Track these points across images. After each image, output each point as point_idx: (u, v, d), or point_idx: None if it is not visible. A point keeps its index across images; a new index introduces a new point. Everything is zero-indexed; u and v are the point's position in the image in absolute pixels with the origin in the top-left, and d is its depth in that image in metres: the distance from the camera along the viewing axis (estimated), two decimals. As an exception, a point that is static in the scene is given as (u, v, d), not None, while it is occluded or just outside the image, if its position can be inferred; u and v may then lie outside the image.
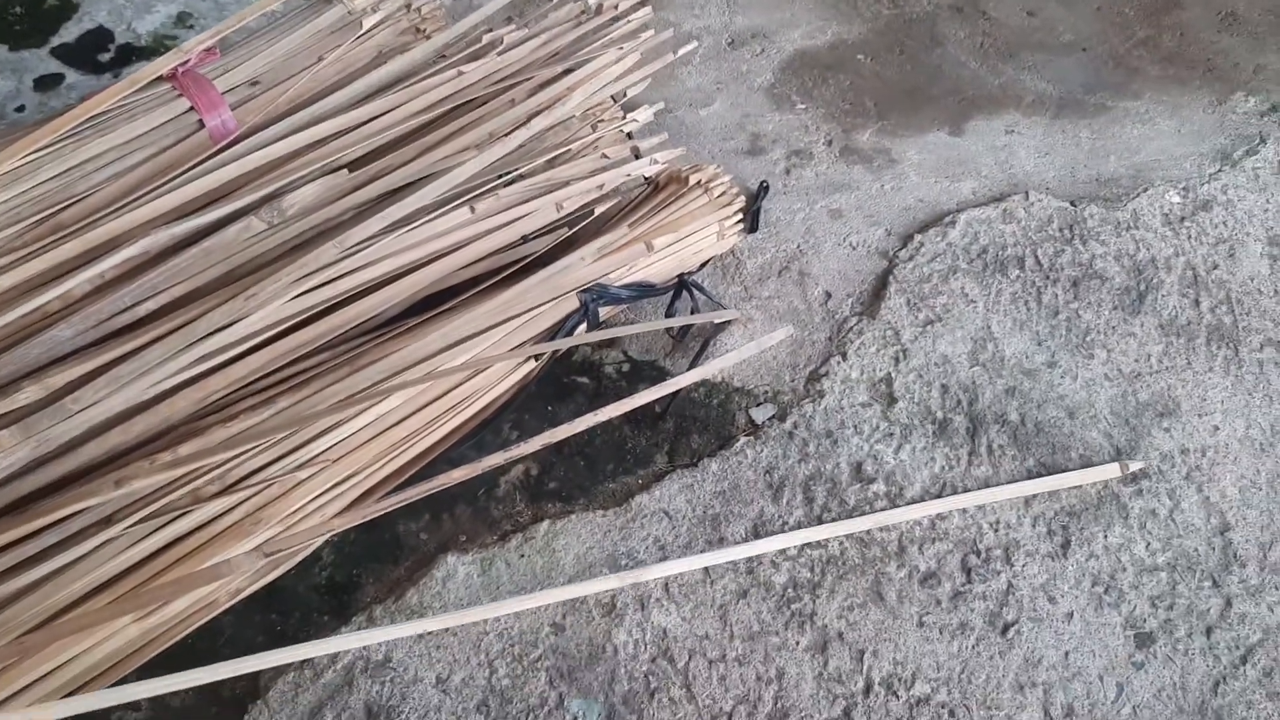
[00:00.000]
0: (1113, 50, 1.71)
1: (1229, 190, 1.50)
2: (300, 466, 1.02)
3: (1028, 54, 1.71)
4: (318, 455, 1.04)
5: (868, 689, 1.06)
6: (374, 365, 1.04)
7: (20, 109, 1.57)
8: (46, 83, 1.61)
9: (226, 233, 1.03)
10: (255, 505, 1.02)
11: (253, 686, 1.04)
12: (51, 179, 1.07)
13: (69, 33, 1.69)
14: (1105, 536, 1.17)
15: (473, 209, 1.10)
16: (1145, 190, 1.49)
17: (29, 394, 0.91)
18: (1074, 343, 1.33)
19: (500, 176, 1.12)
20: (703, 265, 1.37)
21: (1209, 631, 1.11)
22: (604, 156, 1.21)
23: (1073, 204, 1.47)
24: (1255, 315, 1.36)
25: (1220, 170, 1.53)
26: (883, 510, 1.18)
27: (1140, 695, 1.06)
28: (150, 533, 0.95)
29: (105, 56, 1.66)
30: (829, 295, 1.38)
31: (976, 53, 1.71)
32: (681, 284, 1.31)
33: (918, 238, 1.43)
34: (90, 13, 1.72)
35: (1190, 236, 1.44)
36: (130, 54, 1.66)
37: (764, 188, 1.49)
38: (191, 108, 1.15)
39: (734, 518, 1.18)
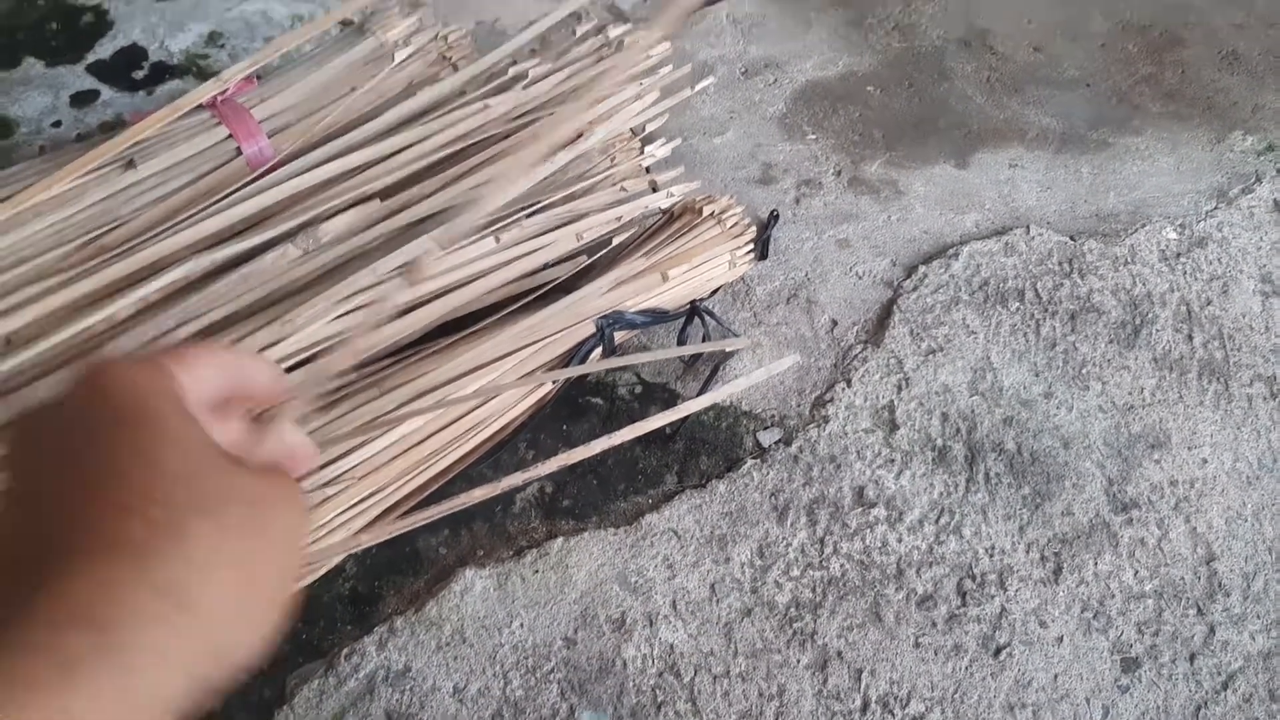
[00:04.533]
0: (1116, 86, 1.76)
1: (1224, 228, 1.55)
2: (328, 484, 1.07)
3: (1033, 89, 1.76)
4: (344, 473, 1.10)
5: (865, 707, 1.11)
6: (402, 388, 1.09)
7: (57, 124, 1.62)
8: (82, 99, 1.66)
9: (264, 259, 1.08)
10: (285, 519, 1.07)
11: (280, 693, 1.10)
12: (97, 203, 1.13)
13: (104, 50, 1.74)
14: (1095, 564, 1.22)
15: (498, 239, 1.15)
16: (1143, 226, 1.54)
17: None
18: (1070, 374, 1.38)
19: (524, 208, 1.17)
20: (714, 292, 1.43)
21: (1192, 658, 1.16)
22: (622, 189, 1.26)
23: (1072, 238, 1.52)
24: (1246, 351, 1.41)
25: (1216, 208, 1.58)
26: (882, 531, 1.23)
27: (1125, 718, 1.11)
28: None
29: (139, 74, 1.71)
30: (835, 323, 1.44)
31: (983, 87, 1.76)
32: (694, 310, 1.36)
33: (922, 269, 1.48)
34: (124, 30, 1.77)
35: (1185, 272, 1.49)
36: (164, 72, 1.71)
37: (774, 216, 1.54)
38: (230, 135, 1.20)
39: (740, 538, 1.23)
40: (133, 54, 1.74)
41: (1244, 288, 1.48)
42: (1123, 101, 1.74)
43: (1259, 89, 1.76)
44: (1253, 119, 1.72)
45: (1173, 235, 1.53)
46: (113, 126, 1.61)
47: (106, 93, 1.68)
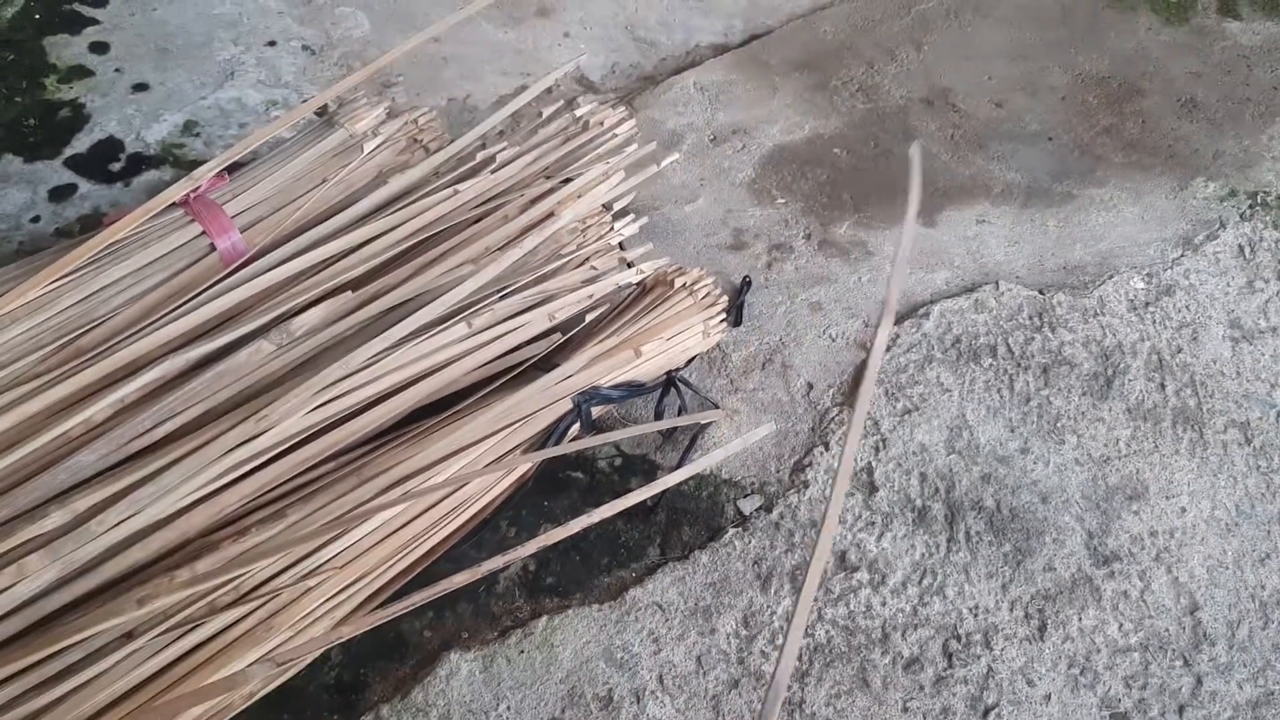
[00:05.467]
0: (1078, 139, 1.80)
1: (1191, 275, 1.57)
2: (309, 575, 1.08)
3: (996, 144, 1.79)
4: (326, 562, 1.10)
5: (855, 776, 1.11)
6: (381, 476, 1.10)
7: (35, 219, 1.64)
8: (61, 193, 1.68)
9: (238, 356, 1.09)
10: (267, 613, 1.07)
11: (266, 788, 1.09)
12: (71, 306, 1.14)
13: (81, 143, 1.77)
14: (1080, 619, 1.23)
15: (470, 324, 1.16)
16: (1111, 277, 1.57)
17: (55, 519, 0.97)
18: (1045, 429, 1.39)
19: (496, 292, 1.19)
20: (690, 361, 1.44)
21: (1181, 710, 1.16)
22: (593, 268, 1.28)
23: (1041, 292, 1.54)
24: (1219, 397, 1.43)
25: (1182, 255, 1.60)
26: (865, 595, 1.23)
27: (1115, 776, 1.11)
28: (168, 645, 1.01)
29: (116, 166, 1.73)
30: (811, 386, 1.45)
31: (947, 144, 1.79)
32: (670, 380, 1.37)
33: (895, 329, 1.50)
34: (101, 123, 1.80)
35: (1155, 321, 1.51)
36: (140, 163, 1.74)
37: (747, 282, 1.56)
38: (203, 232, 1.22)
39: (724, 609, 1.23)
40: (110, 146, 1.76)
41: (1213, 334, 1.50)
42: (1085, 153, 1.77)
43: (1219, 136, 1.80)
44: (1214, 165, 1.75)
45: (1140, 285, 1.56)
46: (91, 220, 1.63)
47: (84, 186, 1.70)
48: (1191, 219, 1.66)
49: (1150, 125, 1.82)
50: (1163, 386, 1.43)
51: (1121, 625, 1.22)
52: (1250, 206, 1.67)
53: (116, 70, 1.88)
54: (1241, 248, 1.61)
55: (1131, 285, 1.55)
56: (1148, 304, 1.53)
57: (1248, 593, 1.25)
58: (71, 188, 1.69)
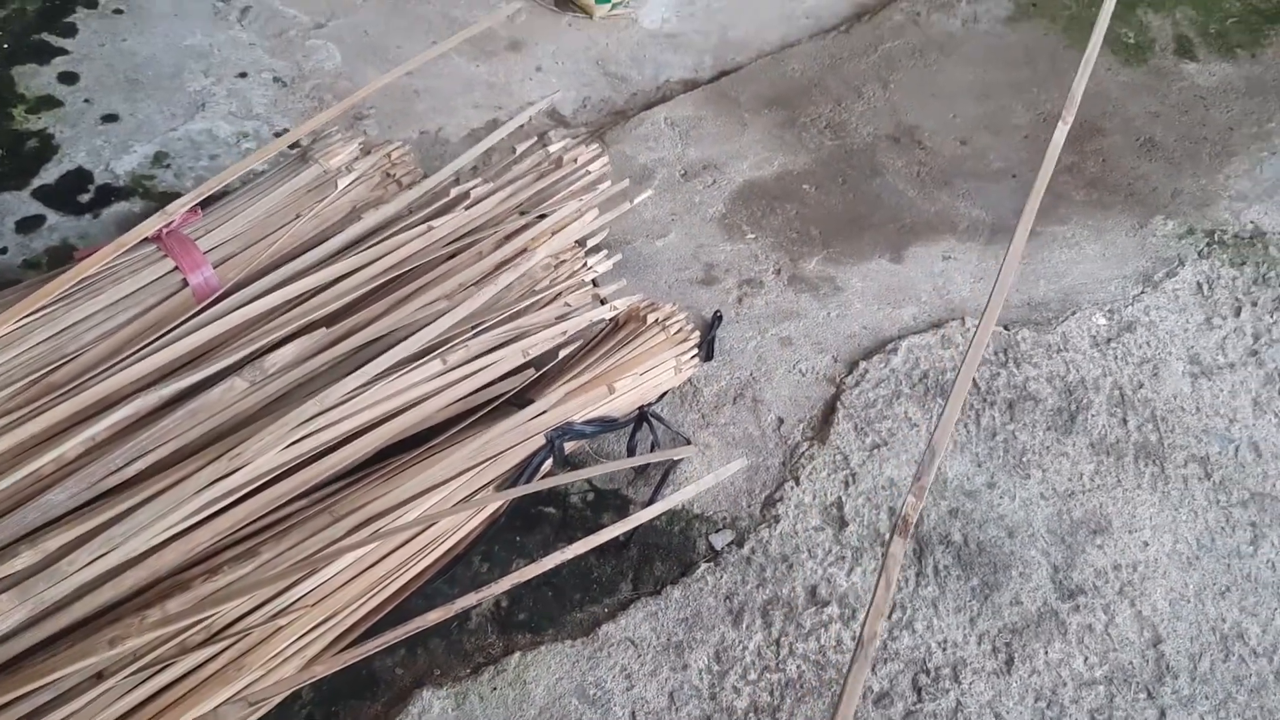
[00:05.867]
0: (1040, 177, 1.83)
1: (1151, 311, 1.60)
2: (281, 613, 1.07)
3: (961, 181, 1.82)
4: (297, 601, 1.09)
5: (826, 812, 1.12)
6: (353, 514, 1.10)
7: (3, 251, 1.63)
8: (28, 225, 1.67)
9: (211, 393, 1.09)
10: (238, 651, 1.07)
11: (236, 830, 1.08)
12: (42, 342, 1.13)
13: (49, 174, 1.76)
14: (1046, 652, 1.24)
15: (444, 361, 1.17)
16: (1074, 313, 1.60)
17: (25, 559, 0.96)
18: (1011, 463, 1.41)
19: (471, 329, 1.20)
20: (662, 396, 1.45)
21: (1145, 743, 1.18)
22: (566, 304, 1.29)
23: (1006, 328, 1.57)
24: (1179, 432, 1.46)
25: (1143, 292, 1.64)
26: (836, 630, 1.24)
27: (1082, 809, 1.13)
28: (139, 685, 1.00)
29: (85, 197, 1.72)
30: (781, 421, 1.46)
31: (914, 181, 1.82)
32: (642, 416, 1.38)
33: (863, 364, 1.52)
34: (70, 154, 1.79)
35: (1117, 357, 1.54)
36: (109, 194, 1.73)
37: (718, 317, 1.57)
38: (176, 268, 1.22)
39: (697, 644, 1.24)
40: (79, 177, 1.76)
41: (1173, 369, 1.53)
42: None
43: (1177, 174, 1.84)
44: (1173, 204, 1.79)
45: (1102, 321, 1.59)
46: (59, 251, 1.62)
47: (53, 217, 1.69)
48: (1151, 256, 1.70)
49: (1111, 164, 1.86)
50: (1125, 422, 1.46)
51: (1087, 658, 1.24)
52: (1208, 244, 1.71)
53: (86, 100, 1.87)
54: (1200, 285, 1.65)
55: (1094, 321, 1.59)
56: (1109, 340, 1.56)
57: (1209, 625, 1.28)
58: (39, 219, 1.68)
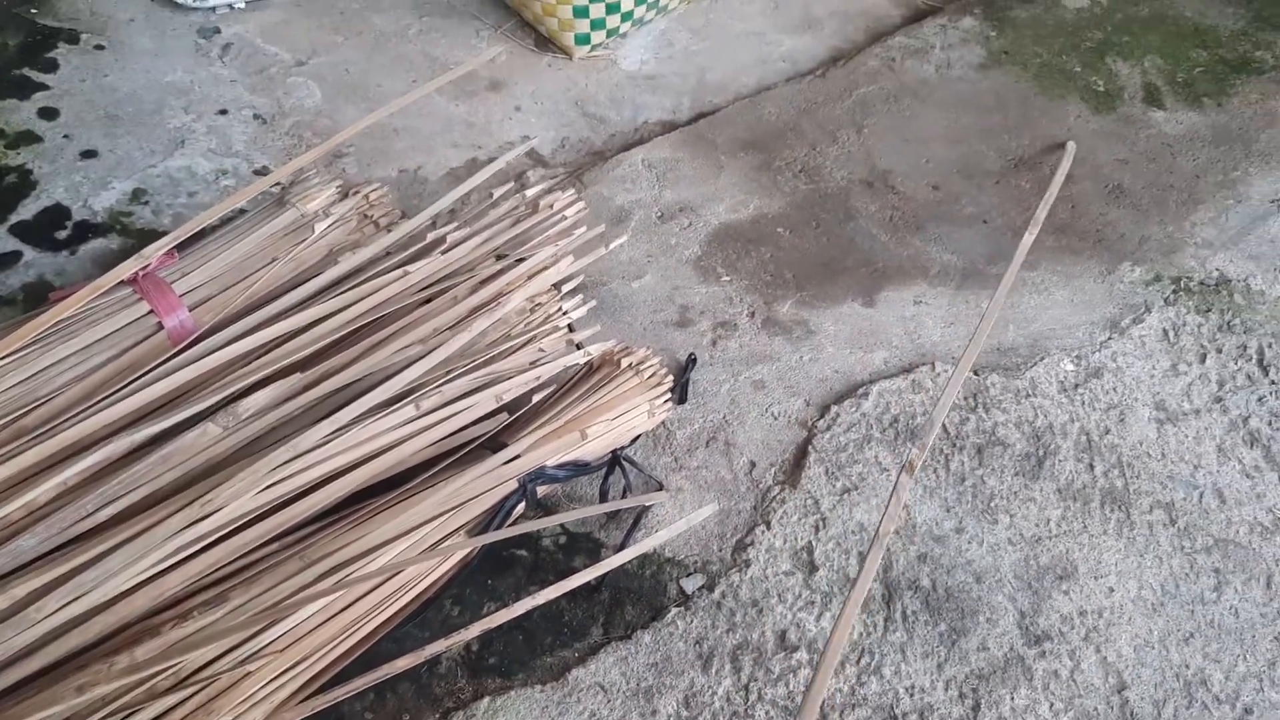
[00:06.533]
0: (1010, 222, 1.86)
1: (1118, 357, 1.63)
2: (250, 658, 1.07)
3: (933, 226, 1.85)
4: (266, 646, 1.10)
5: None
6: (325, 559, 1.10)
7: (-22, 287, 1.63)
8: (4, 261, 1.67)
9: (185, 438, 1.09)
10: (206, 697, 1.07)
11: None
12: (15, 385, 1.14)
13: (27, 210, 1.76)
14: (1012, 699, 1.26)
15: (418, 406, 1.18)
16: (1042, 359, 1.62)
17: (-7, 605, 0.96)
18: (979, 509, 1.43)
19: (445, 374, 1.21)
20: (635, 439, 1.46)
21: (1109, 791, 1.19)
22: (540, 349, 1.30)
23: (976, 373, 1.59)
24: (1145, 478, 1.48)
25: (1110, 338, 1.66)
26: (805, 675, 1.25)
27: None
28: (106, 731, 1.00)
29: (62, 234, 1.73)
30: (753, 465, 1.48)
31: (886, 225, 1.85)
32: (615, 459, 1.39)
33: (834, 408, 1.54)
34: (48, 190, 1.79)
35: (1084, 403, 1.56)
36: (87, 231, 1.73)
37: (692, 360, 1.59)
38: (151, 310, 1.23)
39: (666, 689, 1.24)
40: (56, 214, 1.76)
41: (1140, 415, 1.55)
42: (1018, 236, 1.82)
43: (1144, 221, 1.87)
44: (1140, 250, 1.82)
45: (1070, 367, 1.61)
46: (36, 288, 1.62)
47: (29, 254, 1.69)
48: (1119, 303, 1.73)
49: (1080, 210, 1.89)
50: (1091, 467, 1.48)
51: (1052, 705, 1.25)
52: (1174, 291, 1.74)
53: (65, 136, 1.88)
54: (1166, 331, 1.67)
55: (1062, 367, 1.61)
56: (1077, 385, 1.58)
57: (1173, 672, 1.29)
58: (16, 255, 1.69)
